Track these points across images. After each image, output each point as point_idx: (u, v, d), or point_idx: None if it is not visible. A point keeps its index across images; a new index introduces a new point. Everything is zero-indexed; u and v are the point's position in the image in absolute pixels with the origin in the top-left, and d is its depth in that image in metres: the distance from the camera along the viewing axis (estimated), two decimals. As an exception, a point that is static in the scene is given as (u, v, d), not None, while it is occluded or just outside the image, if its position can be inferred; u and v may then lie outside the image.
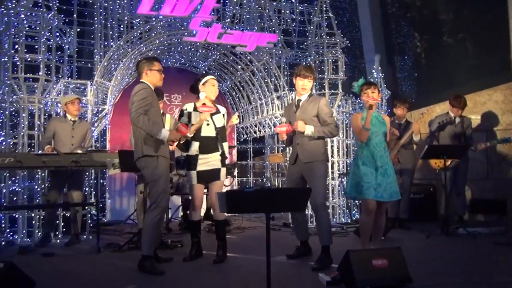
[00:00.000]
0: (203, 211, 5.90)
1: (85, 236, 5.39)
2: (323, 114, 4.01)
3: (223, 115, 4.26)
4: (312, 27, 6.60)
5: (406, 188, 5.94)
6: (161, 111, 4.15)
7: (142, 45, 6.09)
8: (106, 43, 6.41)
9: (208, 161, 4.11)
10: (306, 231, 4.34)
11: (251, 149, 8.62)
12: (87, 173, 5.59)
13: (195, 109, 4.17)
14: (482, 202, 6.50)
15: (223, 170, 4.17)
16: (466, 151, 5.47)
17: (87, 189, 5.76)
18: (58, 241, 5.20)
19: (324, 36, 6.34)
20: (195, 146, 4.13)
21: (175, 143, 3.94)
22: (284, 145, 4.15)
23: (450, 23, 7.84)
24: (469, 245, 4.75)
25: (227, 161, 4.39)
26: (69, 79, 5.99)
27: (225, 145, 4.22)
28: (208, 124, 4.11)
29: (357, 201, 6.78)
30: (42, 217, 5.21)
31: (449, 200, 5.50)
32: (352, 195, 3.94)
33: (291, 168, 4.21)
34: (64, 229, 5.38)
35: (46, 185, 5.30)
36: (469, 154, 5.79)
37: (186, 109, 4.21)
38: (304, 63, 7.38)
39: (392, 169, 3.86)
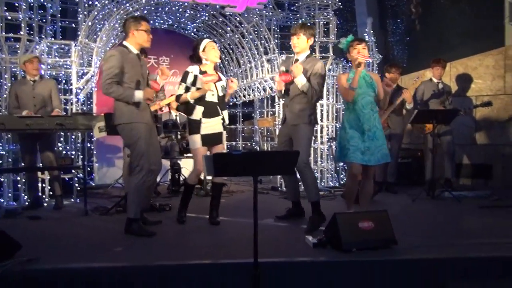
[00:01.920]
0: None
1: (72, 200, 5.37)
2: (313, 76, 3.95)
3: (223, 86, 4.20)
4: (303, -12, 6.42)
5: (394, 152, 5.96)
6: (147, 72, 4.01)
7: (127, 4, 5.87)
8: (90, 2, 6.16)
9: (212, 125, 4.08)
10: (297, 192, 4.36)
11: (241, 113, 8.55)
12: (64, 133, 5.48)
13: (200, 72, 4.07)
14: (469, 167, 6.59)
15: (225, 134, 4.22)
16: (455, 116, 5.48)
17: (73, 152, 5.69)
18: (45, 204, 5.17)
19: (315, -3, 6.17)
20: (198, 110, 4.04)
21: (163, 103, 3.89)
22: (278, 96, 4.17)
23: (445, -14, 7.70)
24: (454, 208, 4.82)
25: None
26: (52, 39, 5.79)
27: (225, 113, 4.19)
28: (213, 95, 4.07)
29: (345, 165, 6.82)
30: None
31: (436, 165, 5.54)
32: (340, 160, 3.90)
33: (281, 128, 4.29)
34: (51, 193, 5.34)
35: (14, 146, 5.17)
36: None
37: (192, 72, 4.09)
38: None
39: (381, 131, 3.76)
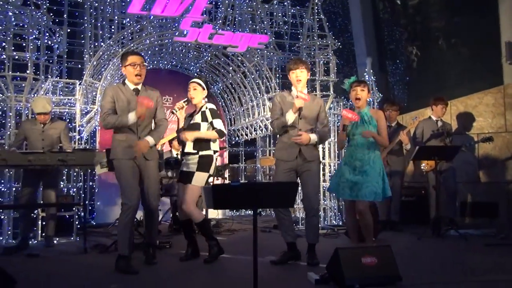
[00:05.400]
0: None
1: (72, 238, 5.30)
2: (323, 115, 4.01)
3: (203, 112, 4.11)
4: (303, 30, 6.60)
5: (396, 190, 5.89)
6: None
7: (132, 45, 6.04)
8: (96, 44, 6.34)
9: (187, 163, 4.09)
10: (293, 231, 4.07)
11: (243, 152, 8.56)
12: (66, 171, 5.47)
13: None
14: (474, 205, 6.49)
15: (199, 175, 3.99)
16: (456, 153, 5.46)
17: (74, 189, 5.67)
18: (44, 241, 5.09)
19: (315, 38, 6.34)
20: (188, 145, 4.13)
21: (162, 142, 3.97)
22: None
23: (442, 29, 7.90)
24: (460, 246, 4.72)
25: (218, 162, 4.29)
26: (58, 78, 5.92)
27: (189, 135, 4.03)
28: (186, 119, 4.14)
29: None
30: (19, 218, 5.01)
31: (440, 202, 5.47)
32: (333, 191, 4.05)
33: (285, 164, 3.91)
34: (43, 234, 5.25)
35: (16, 184, 5.14)
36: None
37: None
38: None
39: (374, 170, 3.78)
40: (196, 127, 4.07)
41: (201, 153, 4.03)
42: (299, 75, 3.93)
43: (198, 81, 4.19)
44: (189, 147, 4.06)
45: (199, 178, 3.99)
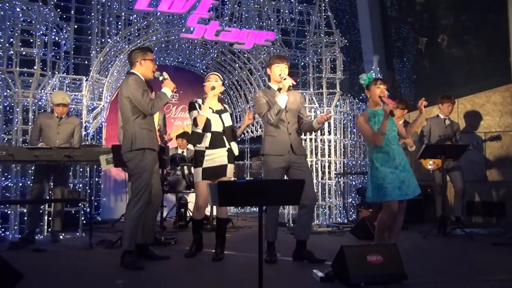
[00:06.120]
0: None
1: (78, 233, 5.33)
2: (303, 111, 4.12)
3: (230, 114, 4.21)
4: (310, 27, 6.57)
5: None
6: None
7: (138, 42, 6.04)
8: (103, 40, 6.35)
9: (215, 157, 4.01)
10: (276, 231, 4.05)
11: (248, 149, 8.55)
12: (72, 167, 5.50)
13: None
14: (480, 204, 6.46)
15: (230, 167, 4.06)
16: (464, 151, 5.42)
17: (80, 185, 5.70)
18: (50, 236, 5.12)
19: (322, 35, 6.31)
20: (207, 138, 4.01)
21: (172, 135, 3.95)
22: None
23: (450, 27, 7.82)
24: (466, 245, 4.69)
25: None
26: (65, 74, 5.94)
27: (233, 145, 4.11)
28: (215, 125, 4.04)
29: (353, 201, 6.73)
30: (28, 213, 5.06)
31: (446, 201, 5.44)
32: (374, 199, 3.75)
33: (277, 159, 3.88)
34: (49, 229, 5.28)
35: (23, 179, 5.18)
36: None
37: (196, 101, 4.13)
38: (302, 63, 7.35)
39: (408, 162, 3.73)
40: (230, 129, 4.13)
41: (227, 146, 4.08)
42: (284, 70, 3.95)
43: (220, 76, 4.24)
44: (221, 143, 4.04)
45: (232, 170, 4.10)
